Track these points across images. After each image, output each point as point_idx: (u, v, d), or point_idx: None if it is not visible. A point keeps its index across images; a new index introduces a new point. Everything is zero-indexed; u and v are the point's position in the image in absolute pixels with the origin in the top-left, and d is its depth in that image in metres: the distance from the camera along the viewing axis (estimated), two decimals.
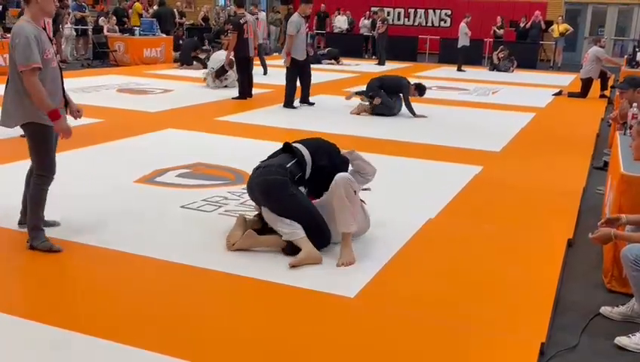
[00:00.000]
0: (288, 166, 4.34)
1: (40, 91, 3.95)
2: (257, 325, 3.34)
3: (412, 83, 10.18)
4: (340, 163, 4.54)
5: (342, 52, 19.85)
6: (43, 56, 4.00)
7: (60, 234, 4.43)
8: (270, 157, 4.59)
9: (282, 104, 10.67)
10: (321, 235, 4.25)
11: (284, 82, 10.74)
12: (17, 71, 3.98)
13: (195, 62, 15.80)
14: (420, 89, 10.16)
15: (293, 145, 4.56)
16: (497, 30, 21.17)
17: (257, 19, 15.87)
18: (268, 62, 15.75)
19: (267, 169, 4.34)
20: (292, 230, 4.16)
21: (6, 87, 4.24)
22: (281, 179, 4.23)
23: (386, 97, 9.95)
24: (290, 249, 4.19)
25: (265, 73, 15.17)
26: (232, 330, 3.29)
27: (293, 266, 4.02)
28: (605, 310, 3.68)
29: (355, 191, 4.18)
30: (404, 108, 10.05)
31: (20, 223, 4.49)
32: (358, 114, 10.09)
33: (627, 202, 4.00)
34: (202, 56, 16.10)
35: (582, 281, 4.20)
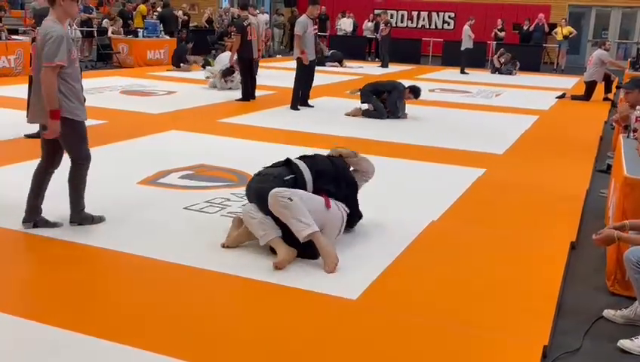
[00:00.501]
0: (285, 179, 4.35)
1: (54, 89, 4.19)
2: (259, 326, 3.34)
3: (407, 86, 10.21)
4: (346, 186, 4.59)
5: (345, 54, 19.87)
6: (70, 56, 4.28)
7: (63, 235, 4.45)
8: (272, 166, 4.61)
9: (286, 106, 10.70)
10: (309, 245, 4.14)
11: (287, 84, 10.77)
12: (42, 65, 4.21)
13: (182, 65, 15.94)
14: (415, 91, 10.15)
15: (294, 161, 4.55)
16: (498, 32, 21.17)
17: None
18: (271, 64, 15.77)
19: (265, 177, 4.38)
20: (265, 232, 4.14)
21: (32, 87, 4.46)
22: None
23: (377, 103, 10.02)
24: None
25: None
26: (235, 331, 3.29)
27: (277, 268, 4.02)
28: (608, 313, 3.67)
29: (289, 198, 4.05)
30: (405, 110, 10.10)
31: (25, 222, 4.53)
32: (354, 116, 10.11)
33: (630, 205, 3.99)
34: (191, 59, 16.40)
35: (585, 284, 4.19)
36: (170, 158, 6.73)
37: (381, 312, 3.57)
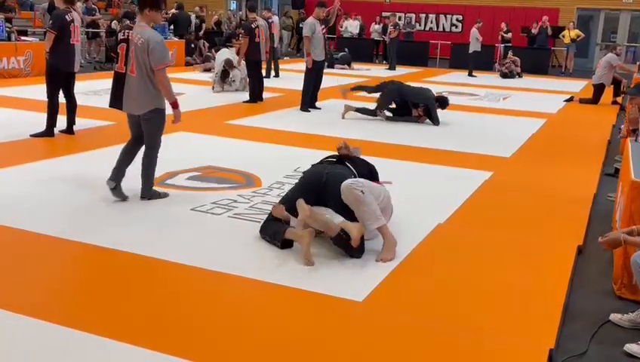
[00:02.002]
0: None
1: (169, 85, 5.11)
2: (265, 327, 3.35)
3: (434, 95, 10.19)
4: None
5: (352, 56, 19.88)
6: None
7: (72, 235, 4.47)
8: (327, 162, 4.81)
9: (294, 107, 10.73)
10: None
11: (295, 86, 10.79)
12: (149, 67, 4.99)
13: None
14: (441, 102, 10.12)
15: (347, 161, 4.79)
16: (504, 35, 21.10)
17: (272, 22, 16.04)
18: (279, 66, 15.80)
19: (341, 174, 4.49)
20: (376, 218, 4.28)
21: (126, 82, 5.20)
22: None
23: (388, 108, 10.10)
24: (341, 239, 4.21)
25: (277, 75, 15.33)
26: (240, 332, 3.29)
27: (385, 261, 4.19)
28: (615, 317, 3.66)
29: (362, 191, 4.25)
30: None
31: (110, 180, 5.27)
32: (347, 112, 10.15)
33: (638, 209, 3.98)
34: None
35: (591, 288, 4.18)
36: (177, 160, 6.74)
37: (387, 315, 3.57)
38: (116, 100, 5.38)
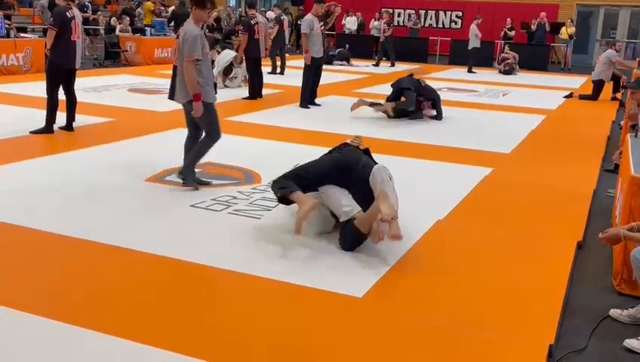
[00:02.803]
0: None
1: (193, 76, 5.30)
2: (265, 323, 3.36)
3: None
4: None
5: (352, 53, 19.86)
6: (203, 51, 5.36)
7: (71, 232, 4.47)
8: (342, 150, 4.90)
9: (293, 104, 10.72)
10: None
11: (294, 83, 10.79)
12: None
13: None
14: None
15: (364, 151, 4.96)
16: (508, 32, 21.06)
17: (284, 19, 16.22)
18: (278, 62, 15.79)
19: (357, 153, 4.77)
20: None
21: (175, 73, 5.70)
22: None
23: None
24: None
25: (282, 73, 15.38)
26: (240, 328, 3.30)
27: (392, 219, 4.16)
28: (614, 312, 3.66)
29: (390, 177, 4.40)
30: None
31: (179, 173, 5.74)
32: (357, 108, 10.09)
33: (637, 204, 3.98)
34: None
35: (591, 284, 4.18)
36: (177, 156, 6.72)
37: (386, 311, 3.57)
38: (172, 91, 5.89)
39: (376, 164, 4.62)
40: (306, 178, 4.58)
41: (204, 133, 5.66)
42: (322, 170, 4.60)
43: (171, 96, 5.99)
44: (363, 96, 11.52)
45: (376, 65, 19.39)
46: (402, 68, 18.69)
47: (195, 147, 5.64)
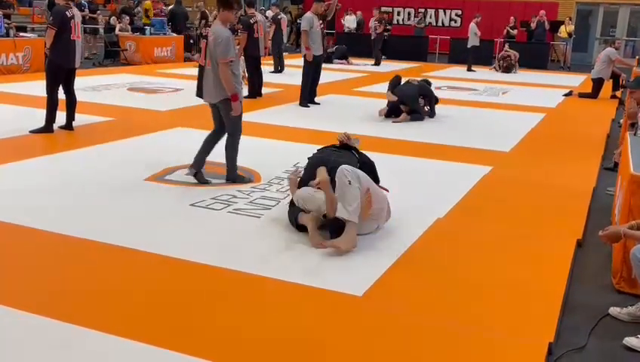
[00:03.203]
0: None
1: (230, 78, 5.49)
2: (265, 322, 3.36)
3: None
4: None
5: (351, 52, 19.84)
6: (234, 52, 5.57)
7: (72, 231, 4.47)
8: (332, 149, 5.00)
9: (293, 103, 10.72)
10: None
11: (294, 81, 10.79)
12: (217, 61, 5.46)
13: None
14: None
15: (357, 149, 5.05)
16: (510, 30, 21.01)
17: (281, 18, 16.27)
18: (269, 61, 15.80)
19: (345, 162, 4.64)
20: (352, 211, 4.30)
21: (203, 73, 5.75)
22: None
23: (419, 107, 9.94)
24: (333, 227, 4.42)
25: (281, 70, 15.40)
26: (240, 326, 3.30)
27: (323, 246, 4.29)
28: (614, 310, 3.67)
29: (349, 182, 4.30)
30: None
31: (190, 168, 5.90)
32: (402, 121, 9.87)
33: (637, 203, 3.98)
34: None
35: (591, 282, 4.19)
36: (177, 155, 6.75)
37: (386, 309, 3.57)
38: (199, 90, 6.07)
39: (345, 160, 4.68)
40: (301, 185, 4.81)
41: (226, 134, 5.84)
42: (306, 178, 4.81)
43: (199, 95, 6.22)
44: (363, 94, 11.51)
45: (377, 64, 19.36)
46: (401, 66, 18.68)
47: (226, 152, 5.84)
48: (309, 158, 5.05)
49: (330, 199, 4.41)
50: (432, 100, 10.14)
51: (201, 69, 5.98)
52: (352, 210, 4.25)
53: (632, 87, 6.68)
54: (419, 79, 10.45)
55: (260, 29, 11.24)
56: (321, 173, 4.54)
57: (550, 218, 5.31)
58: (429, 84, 10.40)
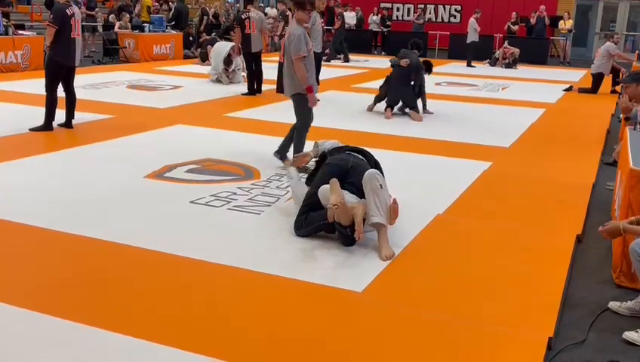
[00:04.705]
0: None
1: (304, 72, 5.90)
2: (265, 318, 3.36)
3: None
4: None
5: (351, 48, 19.81)
6: (307, 48, 5.94)
7: (71, 228, 4.48)
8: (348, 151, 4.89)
9: None
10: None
11: None
12: (291, 58, 5.90)
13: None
14: (428, 67, 9.95)
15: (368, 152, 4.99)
16: (512, 26, 20.95)
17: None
18: (277, 57, 15.80)
19: (364, 164, 4.68)
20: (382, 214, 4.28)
21: (281, 69, 6.65)
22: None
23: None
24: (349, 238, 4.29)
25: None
26: (240, 323, 3.30)
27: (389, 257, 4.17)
28: (614, 305, 3.67)
29: (381, 185, 4.32)
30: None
31: (276, 152, 6.41)
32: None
33: (636, 197, 3.98)
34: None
35: (590, 277, 4.19)
36: (176, 152, 6.75)
37: (386, 305, 3.58)
38: (279, 86, 6.57)
39: (361, 162, 4.66)
40: (315, 201, 4.51)
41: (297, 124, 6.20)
42: (324, 179, 4.49)
43: (279, 90, 6.72)
44: (362, 90, 11.51)
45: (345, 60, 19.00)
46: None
47: (294, 140, 6.21)
48: (328, 160, 4.85)
49: (357, 214, 4.24)
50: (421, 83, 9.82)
51: (281, 66, 6.45)
52: (383, 214, 4.29)
53: (626, 81, 6.68)
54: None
55: (253, 25, 11.18)
56: (335, 190, 4.23)
57: (550, 213, 5.31)
58: (429, 67, 10.13)
